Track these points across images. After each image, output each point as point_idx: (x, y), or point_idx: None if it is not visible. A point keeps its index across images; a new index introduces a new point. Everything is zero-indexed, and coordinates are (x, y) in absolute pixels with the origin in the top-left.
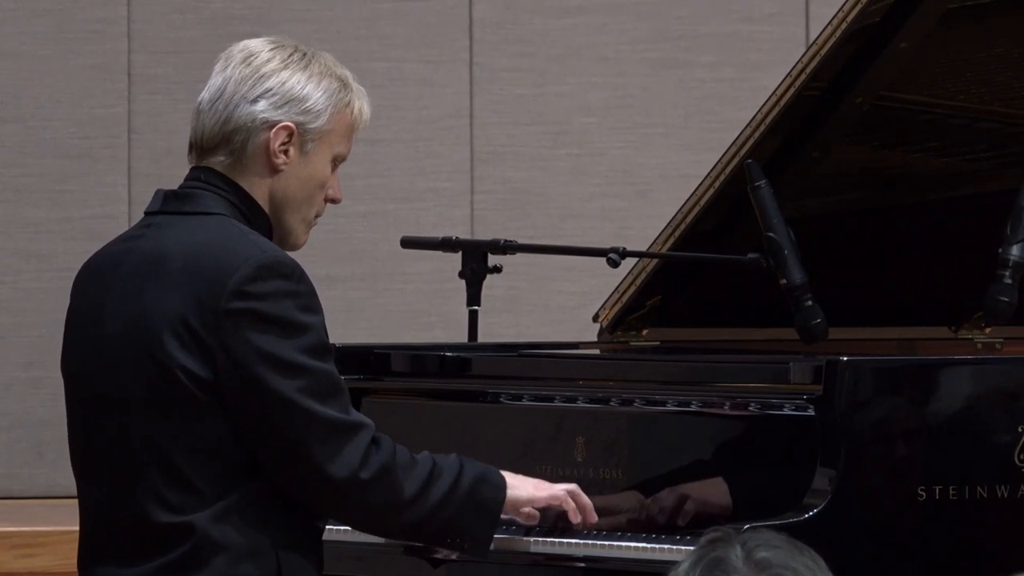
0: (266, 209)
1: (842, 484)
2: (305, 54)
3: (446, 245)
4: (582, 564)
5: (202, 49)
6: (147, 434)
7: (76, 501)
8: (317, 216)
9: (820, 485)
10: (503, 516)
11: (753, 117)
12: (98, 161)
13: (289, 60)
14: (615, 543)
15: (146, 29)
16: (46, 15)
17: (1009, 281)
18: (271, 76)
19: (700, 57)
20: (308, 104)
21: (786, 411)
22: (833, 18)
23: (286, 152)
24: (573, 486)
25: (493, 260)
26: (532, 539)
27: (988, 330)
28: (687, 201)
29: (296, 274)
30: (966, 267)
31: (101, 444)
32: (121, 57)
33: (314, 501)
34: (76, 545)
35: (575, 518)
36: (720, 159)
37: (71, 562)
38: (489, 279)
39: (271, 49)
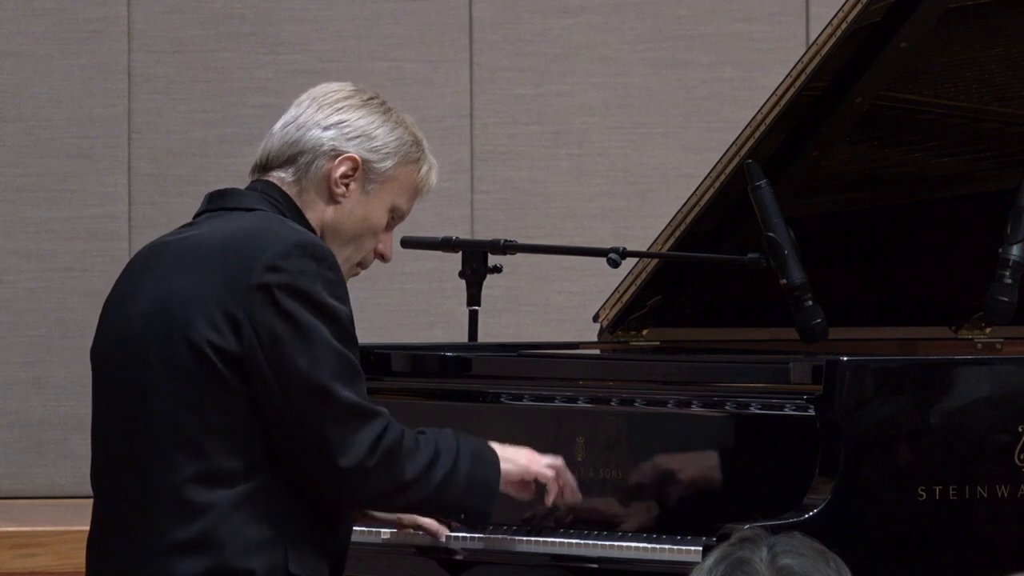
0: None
1: (842, 484)
2: (385, 103)
3: (446, 245)
4: (582, 564)
5: (202, 49)
6: (170, 413)
7: (76, 501)
8: (361, 266)
9: (820, 485)
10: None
11: (753, 117)
12: (98, 161)
13: (369, 102)
14: (616, 543)
15: (146, 29)
16: (46, 15)
17: (1009, 281)
18: (348, 110)
19: (700, 57)
20: (378, 144)
21: (786, 411)
22: (833, 18)
23: (347, 185)
24: (560, 462)
25: (493, 260)
26: (533, 539)
27: (988, 330)
28: (687, 201)
29: (328, 260)
30: (966, 267)
31: (125, 426)
32: (121, 57)
33: (318, 483)
34: (76, 545)
35: (550, 500)
36: (720, 159)
37: (71, 562)
38: (489, 279)
39: (353, 90)
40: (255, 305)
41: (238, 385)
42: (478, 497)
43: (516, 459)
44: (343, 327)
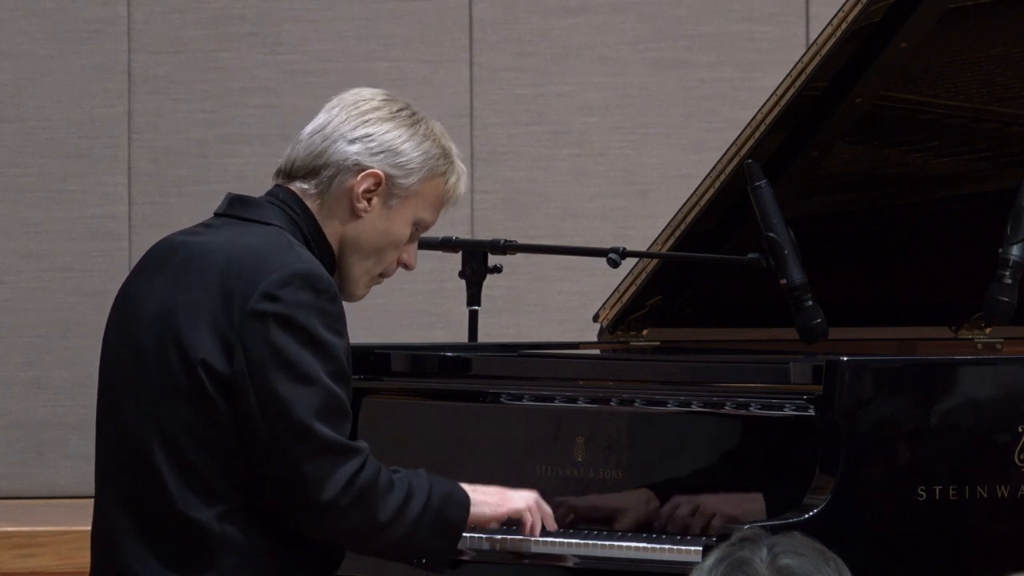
0: (335, 248)
1: (842, 484)
2: (415, 114)
3: (446, 245)
4: (582, 564)
5: (202, 49)
6: (162, 421)
7: (76, 501)
8: (383, 276)
9: (820, 485)
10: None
11: (753, 117)
12: (98, 161)
13: (398, 114)
14: (615, 543)
15: (146, 29)
16: (46, 15)
17: (1009, 281)
18: (375, 123)
19: (700, 57)
20: (403, 159)
21: (786, 411)
22: (833, 18)
23: (369, 200)
24: (534, 496)
25: (493, 260)
26: (532, 539)
27: (988, 330)
28: (687, 201)
29: (329, 292)
30: (966, 267)
31: (122, 427)
32: (121, 57)
33: (293, 516)
34: (76, 545)
35: (534, 533)
36: (720, 159)
37: (71, 562)
38: (489, 279)
39: (383, 99)
40: (249, 331)
41: (225, 407)
42: (444, 539)
43: (488, 501)
44: (335, 362)
